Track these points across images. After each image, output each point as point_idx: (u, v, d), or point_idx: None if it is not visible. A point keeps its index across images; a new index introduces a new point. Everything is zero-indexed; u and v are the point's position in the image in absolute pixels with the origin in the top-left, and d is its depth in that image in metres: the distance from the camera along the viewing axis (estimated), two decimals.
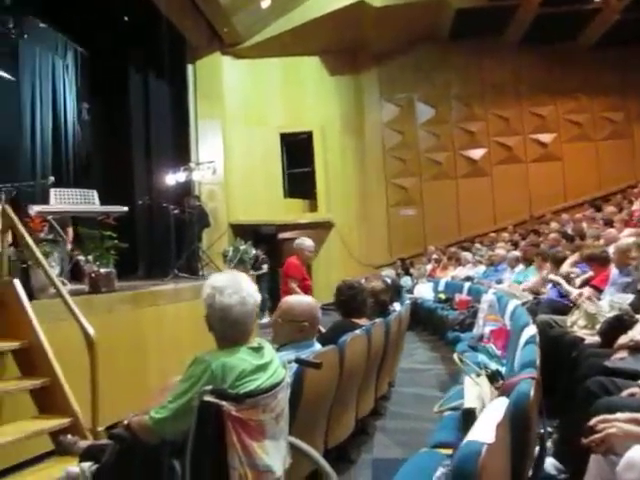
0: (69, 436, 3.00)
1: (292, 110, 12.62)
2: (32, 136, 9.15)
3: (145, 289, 5.49)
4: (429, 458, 2.26)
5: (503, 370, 3.42)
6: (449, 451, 2.24)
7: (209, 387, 1.82)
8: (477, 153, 13.27)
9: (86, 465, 2.09)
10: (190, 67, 11.67)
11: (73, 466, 2.20)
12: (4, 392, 3.39)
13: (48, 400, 3.47)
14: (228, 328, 1.99)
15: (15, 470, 3.38)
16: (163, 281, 7.10)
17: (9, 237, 3.85)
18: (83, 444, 2.84)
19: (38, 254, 3.55)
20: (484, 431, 1.36)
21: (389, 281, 5.00)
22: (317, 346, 2.76)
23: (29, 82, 9.20)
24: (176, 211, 8.56)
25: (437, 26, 12.45)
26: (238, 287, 2.02)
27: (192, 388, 1.88)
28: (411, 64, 13.13)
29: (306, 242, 5.86)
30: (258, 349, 2.03)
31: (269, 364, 2.03)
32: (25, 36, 8.78)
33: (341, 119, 13.03)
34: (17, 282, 3.57)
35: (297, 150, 12.78)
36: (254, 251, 8.11)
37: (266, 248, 10.60)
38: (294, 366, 2.42)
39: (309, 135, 12.68)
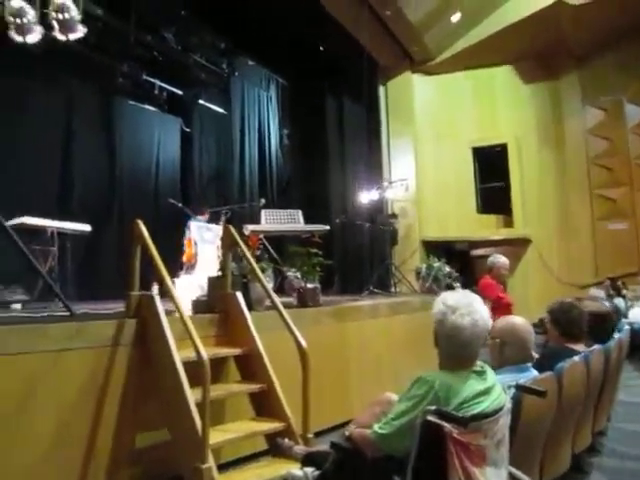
0: (286, 440, 3.20)
1: (484, 123, 12.24)
2: (241, 163, 10.15)
3: (346, 304, 5.71)
4: None
5: None
6: None
7: (433, 407, 1.81)
8: None
9: (309, 470, 2.22)
10: (382, 88, 11.99)
11: (296, 469, 2.34)
12: (228, 393, 3.76)
13: (264, 404, 3.77)
14: (455, 349, 1.97)
15: (234, 465, 3.72)
16: (360, 297, 7.32)
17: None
18: (298, 449, 3.02)
19: (257, 270, 3.90)
20: None
21: (607, 304, 4.52)
22: (534, 371, 2.60)
23: (239, 114, 10.25)
24: (370, 229, 8.80)
25: None
26: (471, 309, 1.99)
27: (415, 408, 1.89)
28: (617, 62, 11.85)
29: (500, 259, 5.60)
30: (481, 373, 1.97)
31: (491, 388, 1.97)
32: (236, 73, 9.86)
33: (537, 129, 12.26)
34: (239, 294, 3.96)
35: (490, 164, 12.32)
36: (447, 268, 7.97)
37: (459, 265, 10.34)
38: (510, 391, 2.30)
39: (503, 148, 12.16)
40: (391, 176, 11.23)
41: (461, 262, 10.89)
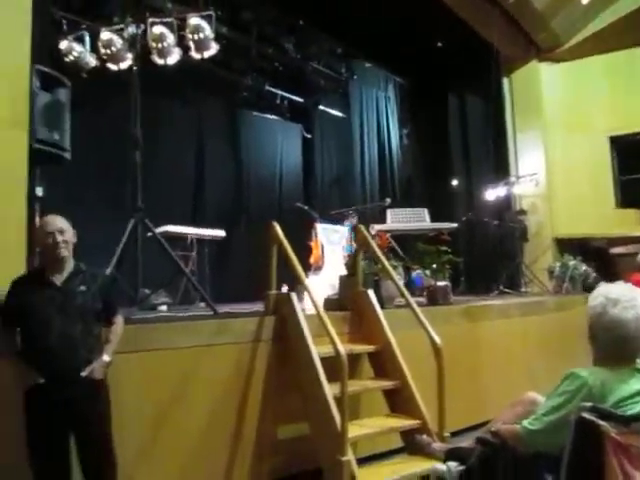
0: (424, 436, 3.19)
1: (623, 110, 11.20)
2: (361, 164, 10.24)
3: (477, 303, 5.58)
4: None
5: None
6: None
7: (588, 404, 1.73)
8: None
9: (453, 464, 2.21)
10: (506, 80, 11.49)
11: (439, 464, 2.34)
12: (363, 389, 3.82)
13: (398, 401, 3.79)
14: (614, 343, 1.87)
15: (369, 460, 3.77)
16: (489, 296, 7.10)
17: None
18: (437, 446, 3.01)
19: (389, 268, 3.93)
20: None
21: None
22: None
23: (357, 117, 10.35)
24: (497, 226, 8.50)
25: None
26: (635, 302, 1.88)
27: (566, 404, 1.82)
28: None
29: None
30: None
31: None
32: (354, 77, 9.99)
33: None
34: (371, 292, 4.03)
35: (631, 154, 11.28)
36: (583, 267, 7.48)
37: (596, 264, 9.61)
38: None
39: None
40: (518, 171, 10.72)
41: (599, 260, 10.11)
